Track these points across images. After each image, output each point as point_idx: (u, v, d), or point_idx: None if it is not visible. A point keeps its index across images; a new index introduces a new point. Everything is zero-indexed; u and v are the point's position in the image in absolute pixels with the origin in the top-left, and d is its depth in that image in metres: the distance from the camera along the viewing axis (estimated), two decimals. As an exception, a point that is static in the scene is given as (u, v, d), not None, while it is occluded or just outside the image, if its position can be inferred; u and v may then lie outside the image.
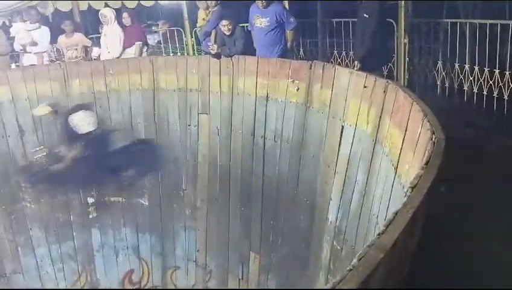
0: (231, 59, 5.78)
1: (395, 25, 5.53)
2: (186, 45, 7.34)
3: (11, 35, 7.02)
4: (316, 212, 4.79)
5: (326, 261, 4.46)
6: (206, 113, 6.19)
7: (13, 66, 7.09)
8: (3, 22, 7.54)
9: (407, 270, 2.12)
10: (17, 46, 6.97)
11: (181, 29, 7.45)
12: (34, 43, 6.92)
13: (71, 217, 6.61)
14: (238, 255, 6.04)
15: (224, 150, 6.05)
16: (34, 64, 6.84)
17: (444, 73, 5.52)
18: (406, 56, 5.48)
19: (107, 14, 6.84)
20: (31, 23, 6.94)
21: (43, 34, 6.99)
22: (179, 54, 7.56)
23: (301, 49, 7.35)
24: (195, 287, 6.65)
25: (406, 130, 3.09)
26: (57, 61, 6.93)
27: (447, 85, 5.50)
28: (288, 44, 5.71)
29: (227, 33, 5.78)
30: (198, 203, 6.42)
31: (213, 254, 6.37)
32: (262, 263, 5.74)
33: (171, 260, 6.74)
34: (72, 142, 6.32)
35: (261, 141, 5.55)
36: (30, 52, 6.97)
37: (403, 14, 5.36)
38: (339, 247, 4.21)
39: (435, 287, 2.45)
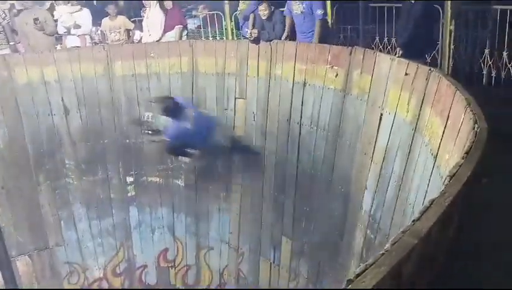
0: (270, 44, 5.77)
1: (441, 11, 5.32)
2: (225, 29, 7.36)
3: (54, 18, 7.25)
4: (350, 200, 4.76)
5: (359, 249, 4.44)
6: (243, 98, 6.22)
7: (58, 47, 7.33)
8: (51, 4, 7.79)
9: (442, 262, 2.08)
10: (60, 29, 7.21)
11: (221, 14, 7.47)
12: (77, 26, 7.13)
13: (111, 194, 6.86)
14: (270, 239, 6.10)
15: (259, 135, 6.08)
16: (77, 46, 7.06)
17: (491, 62, 5.28)
18: (451, 44, 5.28)
19: (149, -3, 6.96)
20: (72, 5, 7.15)
21: (85, 16, 7.19)
22: (218, 38, 7.59)
23: (341, 35, 7.21)
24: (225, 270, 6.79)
25: (447, 119, 3.00)
26: (101, 43, 7.12)
27: (493, 75, 5.26)
28: (314, 36, 5.50)
29: (265, 18, 5.77)
30: (233, 187, 6.50)
31: (246, 237, 6.46)
32: (294, 248, 5.77)
33: (204, 240, 6.89)
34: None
35: (297, 127, 5.53)
36: (74, 35, 7.19)
37: (449, 0, 5.15)
38: (372, 236, 4.18)
39: (469, 281, 2.39)
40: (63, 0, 7.29)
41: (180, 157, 6.20)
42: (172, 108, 5.12)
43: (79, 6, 7.17)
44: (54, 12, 7.32)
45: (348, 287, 1.18)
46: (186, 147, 5.64)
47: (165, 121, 5.32)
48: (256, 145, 6.10)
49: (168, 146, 5.57)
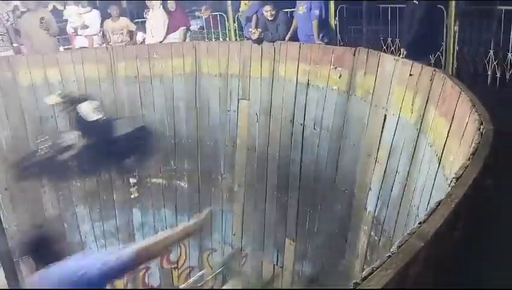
0: (273, 44, 5.75)
1: (445, 12, 5.30)
2: (228, 30, 7.35)
3: (63, 18, 7.28)
4: (354, 202, 4.74)
5: (363, 251, 4.41)
6: (246, 99, 6.21)
7: (61, 49, 7.34)
8: (54, 5, 7.83)
9: (448, 265, 2.06)
10: (69, 29, 7.24)
11: (224, 15, 7.46)
12: (84, 26, 7.17)
13: (114, 196, 6.86)
14: (274, 241, 6.07)
15: (262, 136, 6.06)
16: (83, 47, 7.08)
17: (495, 63, 5.26)
18: (456, 44, 5.25)
19: (152, -2, 6.97)
20: (82, 7, 7.19)
21: (93, 17, 7.23)
22: (221, 39, 7.58)
23: (344, 36, 7.19)
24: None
25: (452, 120, 2.98)
26: (103, 45, 7.13)
27: (498, 75, 5.24)
28: (314, 36, 5.58)
29: (270, 18, 5.76)
30: (236, 188, 6.49)
31: (249, 239, 6.44)
32: (297, 250, 5.75)
33: (207, 242, 6.87)
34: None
35: (300, 128, 5.51)
36: (81, 35, 7.22)
37: (453, 0, 5.12)
38: (376, 237, 4.15)
39: (475, 283, 2.36)
40: (67, 0, 7.33)
41: None
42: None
43: (89, 8, 7.22)
44: (64, 12, 7.37)
45: (357, 288, 1.17)
46: None
47: None
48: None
49: None
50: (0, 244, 6.26)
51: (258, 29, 5.82)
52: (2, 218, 6.22)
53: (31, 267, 6.67)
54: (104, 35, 7.25)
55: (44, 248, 2.32)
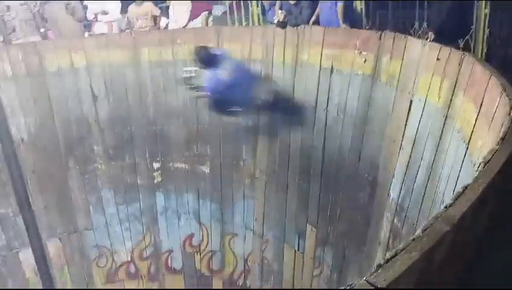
0: (296, 29, 5.68)
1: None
2: (251, 15, 7.29)
3: (83, 4, 7.37)
4: (377, 189, 4.68)
5: (385, 239, 4.37)
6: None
7: (86, 34, 7.44)
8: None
9: (474, 251, 2.02)
10: (89, 15, 7.30)
11: (247, -1, 7.40)
12: (105, 12, 7.22)
13: (138, 180, 6.97)
14: (295, 226, 6.07)
15: (285, 122, 6.02)
16: (104, 33, 7.14)
17: (528, 46, 5.06)
18: (486, 28, 5.06)
19: (175, -17, 6.97)
20: None
21: (114, 3, 7.26)
22: (244, 24, 7.53)
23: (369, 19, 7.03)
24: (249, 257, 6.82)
25: (481, 105, 2.89)
26: (127, 30, 7.18)
27: (530, 60, 5.04)
28: (340, 20, 5.50)
29: (293, 2, 5.68)
30: (257, 174, 6.49)
31: (270, 224, 6.46)
32: (318, 236, 5.74)
33: (229, 227, 6.93)
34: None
35: (323, 114, 5.44)
36: (101, 21, 7.28)
37: (485, -19, 4.93)
38: (399, 225, 4.10)
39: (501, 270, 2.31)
40: None
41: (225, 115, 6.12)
42: (208, 58, 5.18)
43: None
44: None
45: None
46: (229, 104, 5.52)
47: (205, 75, 5.29)
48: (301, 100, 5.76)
49: (210, 102, 5.55)
50: (29, 226, 6.51)
51: (283, 12, 5.74)
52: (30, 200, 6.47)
53: (58, 248, 6.88)
54: (128, 21, 7.29)
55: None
